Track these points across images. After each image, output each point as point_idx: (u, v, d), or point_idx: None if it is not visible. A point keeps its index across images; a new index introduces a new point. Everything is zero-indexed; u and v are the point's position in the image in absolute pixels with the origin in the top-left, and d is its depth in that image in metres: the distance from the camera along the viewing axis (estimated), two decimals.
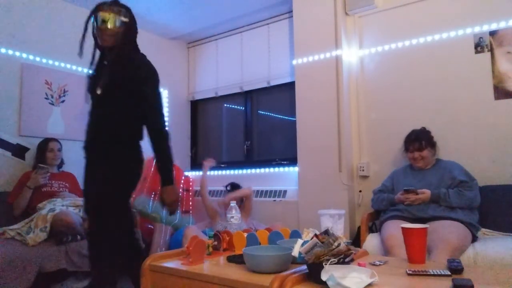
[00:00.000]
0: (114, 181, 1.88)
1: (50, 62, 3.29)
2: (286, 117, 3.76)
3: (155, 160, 1.90)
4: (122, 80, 1.87)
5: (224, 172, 4.00)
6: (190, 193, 3.86)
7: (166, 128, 1.94)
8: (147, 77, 1.91)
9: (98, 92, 1.86)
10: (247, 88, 3.99)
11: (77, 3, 3.35)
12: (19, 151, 3.04)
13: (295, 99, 3.26)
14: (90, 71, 2.00)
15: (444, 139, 2.67)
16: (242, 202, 3.35)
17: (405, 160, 2.67)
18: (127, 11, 1.94)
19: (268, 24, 3.89)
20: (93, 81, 1.97)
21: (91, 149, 1.95)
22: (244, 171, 3.83)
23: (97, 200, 1.87)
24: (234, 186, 3.45)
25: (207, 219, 3.46)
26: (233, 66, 4.13)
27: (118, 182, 1.90)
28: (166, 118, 4.14)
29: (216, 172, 4.06)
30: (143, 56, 1.98)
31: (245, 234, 1.75)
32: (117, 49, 1.89)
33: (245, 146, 4.02)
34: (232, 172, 3.93)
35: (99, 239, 1.87)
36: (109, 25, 1.84)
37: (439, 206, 2.27)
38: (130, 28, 1.94)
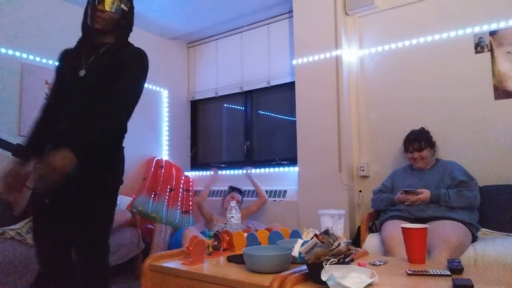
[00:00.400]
0: (101, 184, 1.59)
1: (50, 62, 3.29)
2: (286, 117, 3.75)
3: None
4: (110, 67, 1.64)
5: (224, 172, 4.00)
6: (190, 193, 3.87)
7: (119, 123, 1.60)
8: (140, 67, 1.69)
9: (81, 74, 1.63)
10: (247, 88, 4.00)
11: (77, 3, 3.35)
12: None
13: (295, 99, 3.26)
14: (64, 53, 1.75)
15: (444, 139, 2.67)
16: (241, 203, 3.36)
17: (405, 160, 2.67)
18: (129, 3, 1.78)
19: (268, 24, 3.88)
20: (69, 66, 1.70)
21: (68, 145, 1.49)
22: (244, 171, 3.82)
23: (84, 207, 1.58)
24: (233, 189, 3.46)
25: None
26: (233, 66, 4.13)
27: (104, 185, 1.59)
28: (166, 118, 4.25)
29: None
30: (134, 46, 1.76)
31: (245, 234, 1.75)
32: (111, 37, 1.71)
33: (245, 146, 4.01)
34: (232, 172, 3.92)
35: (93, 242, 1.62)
36: (106, 7, 1.66)
37: (439, 206, 2.26)
38: (127, 20, 1.76)
